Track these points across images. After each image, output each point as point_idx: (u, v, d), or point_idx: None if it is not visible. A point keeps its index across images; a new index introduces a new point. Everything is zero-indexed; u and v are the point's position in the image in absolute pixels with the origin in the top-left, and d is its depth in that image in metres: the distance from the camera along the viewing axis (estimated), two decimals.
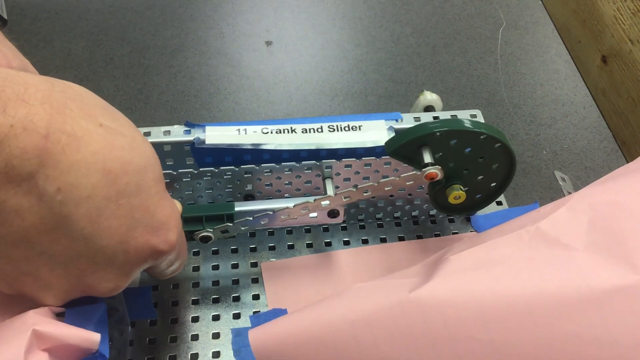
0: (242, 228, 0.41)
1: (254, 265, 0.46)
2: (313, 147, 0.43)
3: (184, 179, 0.43)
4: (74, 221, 0.26)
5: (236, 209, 0.41)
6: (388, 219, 0.49)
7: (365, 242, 0.48)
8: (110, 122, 0.28)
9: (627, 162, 0.55)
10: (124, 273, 0.29)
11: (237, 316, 0.43)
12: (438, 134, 0.39)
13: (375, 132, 0.44)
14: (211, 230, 0.40)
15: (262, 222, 0.41)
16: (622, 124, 0.76)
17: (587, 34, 0.83)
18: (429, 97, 0.49)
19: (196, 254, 0.47)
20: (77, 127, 0.26)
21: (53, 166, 0.25)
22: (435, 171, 0.40)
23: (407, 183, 0.41)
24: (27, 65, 0.39)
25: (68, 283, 0.28)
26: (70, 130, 0.25)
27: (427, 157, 0.40)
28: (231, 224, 0.40)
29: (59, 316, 0.34)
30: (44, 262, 0.27)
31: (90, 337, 0.31)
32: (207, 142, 0.42)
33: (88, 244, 0.27)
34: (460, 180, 0.42)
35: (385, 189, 0.40)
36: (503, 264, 0.35)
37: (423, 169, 0.40)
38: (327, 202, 0.41)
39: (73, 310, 0.33)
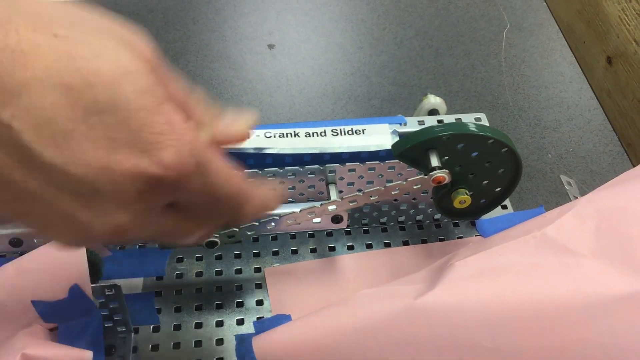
0: (248, 233, 0.40)
1: (258, 270, 0.46)
2: (316, 151, 0.43)
3: None
4: (38, 150, 0.22)
5: None
6: (392, 223, 0.49)
7: (369, 246, 0.48)
8: (70, 32, 0.23)
9: (633, 165, 0.55)
10: (120, 206, 0.24)
11: (240, 322, 0.43)
12: (445, 137, 0.39)
13: (379, 136, 0.44)
14: (217, 235, 0.40)
15: (268, 227, 0.40)
16: (628, 125, 0.75)
17: (591, 35, 0.82)
18: (433, 100, 0.49)
19: (199, 259, 0.46)
20: (24, 40, 0.22)
21: (1, 90, 0.21)
22: (443, 175, 0.40)
23: (414, 187, 0.40)
24: None
25: (65, 222, 0.24)
26: (14, 46, 0.22)
27: (435, 161, 0.40)
28: (237, 229, 0.40)
29: (53, 331, 0.34)
30: (29, 200, 0.24)
31: (82, 356, 0.30)
32: None
33: (64, 175, 0.23)
34: (465, 184, 0.42)
35: (392, 193, 0.40)
36: (509, 270, 0.35)
37: (430, 173, 0.40)
38: (334, 206, 0.40)
39: (66, 326, 0.33)
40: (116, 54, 0.24)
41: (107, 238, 0.25)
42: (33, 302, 0.33)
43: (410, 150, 0.40)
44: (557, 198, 0.52)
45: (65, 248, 0.26)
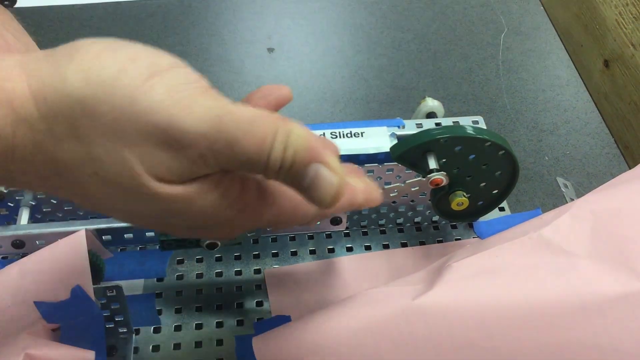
0: (248, 234, 0.41)
1: (257, 272, 0.46)
2: None
3: None
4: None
5: None
6: (391, 225, 0.49)
7: (368, 248, 0.48)
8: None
9: (629, 168, 0.55)
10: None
11: (240, 323, 0.44)
12: (443, 140, 0.40)
13: (377, 139, 0.44)
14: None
15: (268, 229, 0.41)
16: (625, 128, 0.76)
17: (589, 38, 0.83)
18: (431, 103, 0.49)
19: (199, 260, 0.47)
20: None
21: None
22: (441, 177, 0.40)
23: (412, 189, 0.41)
24: (30, 50, 0.39)
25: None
26: None
27: (432, 163, 0.40)
28: None
29: (55, 332, 0.34)
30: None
31: (84, 356, 0.31)
32: None
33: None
34: (463, 186, 0.42)
35: (390, 195, 0.41)
36: (506, 271, 0.35)
37: (428, 175, 0.40)
38: None
39: (69, 325, 0.33)
40: (167, 55, 0.26)
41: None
42: (36, 303, 0.33)
43: (409, 153, 0.40)
44: (554, 200, 0.52)
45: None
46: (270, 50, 0.67)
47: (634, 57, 0.73)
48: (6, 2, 0.41)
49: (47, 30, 0.67)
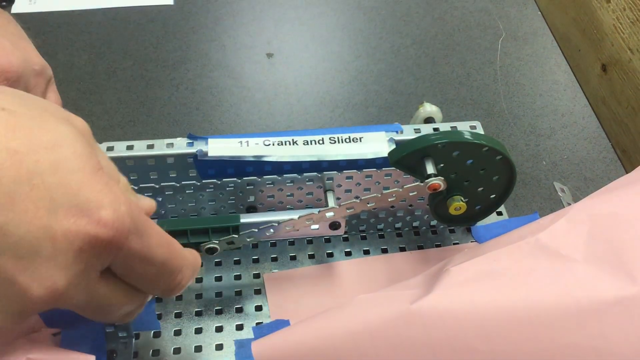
0: (248, 239, 0.41)
1: (257, 276, 0.47)
2: (314, 159, 0.43)
3: (187, 191, 0.44)
4: None
5: (241, 220, 0.42)
6: (389, 229, 0.50)
7: (366, 252, 0.48)
8: (17, 108, 0.26)
9: (627, 172, 0.55)
10: (59, 267, 0.25)
11: (240, 327, 0.44)
12: (441, 145, 0.40)
13: (375, 144, 0.44)
14: (217, 241, 0.40)
15: (267, 234, 0.41)
16: (622, 132, 0.76)
17: (587, 43, 0.83)
18: (429, 108, 0.50)
19: None
20: None
21: None
22: (438, 182, 0.40)
23: (410, 194, 0.41)
24: (28, 57, 0.39)
25: (3, 288, 0.25)
26: None
27: (430, 168, 0.40)
28: (237, 236, 0.41)
29: (56, 336, 0.34)
30: None
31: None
32: (209, 154, 0.42)
33: (5, 235, 0.24)
34: (461, 191, 0.43)
35: (389, 200, 0.41)
36: (503, 275, 0.36)
37: (426, 180, 0.40)
38: (332, 213, 0.41)
39: (69, 331, 0.33)
40: (57, 126, 0.26)
41: (43, 304, 0.25)
42: None
43: (407, 158, 0.41)
44: (552, 204, 0.53)
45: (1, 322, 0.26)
46: (270, 55, 0.67)
47: (631, 62, 0.74)
48: (4, 3, 0.41)
49: (48, 36, 0.68)
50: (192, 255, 0.32)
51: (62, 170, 0.25)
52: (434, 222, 0.50)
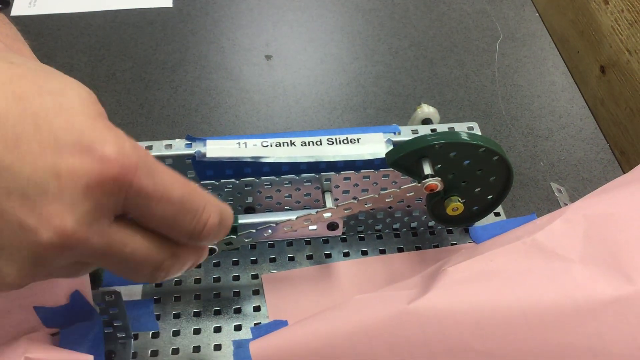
0: (246, 240, 0.41)
1: (255, 277, 0.47)
2: (312, 160, 0.43)
3: None
4: None
5: (240, 221, 0.42)
6: (387, 230, 0.50)
7: (364, 253, 0.49)
8: (24, 62, 0.27)
9: (624, 173, 0.56)
10: (66, 205, 0.24)
11: (238, 328, 0.44)
12: (438, 146, 0.40)
13: (373, 145, 0.45)
14: (215, 242, 0.41)
15: (265, 234, 0.41)
16: (621, 133, 0.76)
17: (585, 45, 0.83)
18: (426, 109, 0.50)
19: (197, 266, 0.47)
20: None
21: None
22: (435, 182, 0.41)
23: (407, 194, 0.41)
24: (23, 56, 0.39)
25: (13, 234, 0.25)
26: None
27: (427, 169, 0.41)
28: (235, 236, 0.41)
29: (54, 336, 0.34)
30: None
31: (83, 359, 0.31)
32: (208, 155, 0.43)
33: (14, 175, 0.24)
34: (458, 192, 0.43)
35: (386, 200, 0.41)
36: (500, 275, 0.36)
37: (423, 181, 0.40)
38: (329, 214, 0.41)
39: (68, 330, 0.33)
40: (63, 76, 0.27)
41: (54, 249, 0.25)
42: (35, 307, 0.34)
43: (404, 159, 0.41)
44: (549, 205, 0.53)
45: (13, 281, 0.26)
46: (268, 57, 0.68)
47: (629, 63, 0.74)
48: (0, 6, 0.41)
49: (47, 38, 0.68)
50: (216, 200, 0.29)
51: (67, 112, 0.25)
52: (431, 223, 0.50)
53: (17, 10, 0.71)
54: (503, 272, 0.36)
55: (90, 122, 0.25)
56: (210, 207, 0.28)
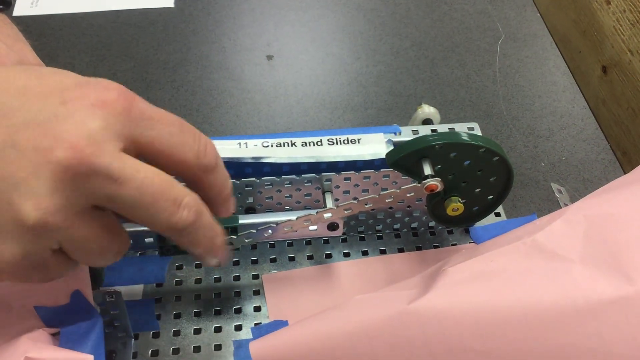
0: (246, 240, 0.41)
1: (256, 277, 0.47)
2: (313, 160, 0.44)
3: None
4: None
5: (240, 221, 0.42)
6: (388, 230, 0.50)
7: (365, 253, 0.49)
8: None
9: (625, 173, 0.56)
10: (46, 186, 0.24)
11: (238, 328, 0.44)
12: (438, 146, 0.40)
13: (374, 145, 0.45)
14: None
15: (265, 235, 0.41)
16: (623, 134, 0.76)
17: (587, 45, 0.83)
18: (427, 110, 0.50)
19: (198, 266, 0.47)
20: None
21: None
22: (435, 183, 0.41)
23: (408, 195, 0.41)
24: (23, 58, 0.39)
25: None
26: None
27: (427, 169, 0.41)
28: (235, 237, 0.41)
29: (55, 336, 0.34)
30: None
31: (84, 359, 0.31)
32: None
33: (25, 114, 0.25)
34: (458, 192, 0.43)
35: (386, 200, 0.41)
36: (500, 275, 0.36)
37: (423, 181, 0.40)
38: (329, 214, 0.41)
39: (68, 329, 0.33)
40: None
41: (38, 229, 0.25)
42: (36, 307, 0.34)
43: (404, 159, 0.41)
44: (550, 206, 0.53)
45: (6, 257, 0.26)
46: (270, 57, 0.68)
47: (631, 63, 0.74)
48: (1, 7, 0.41)
49: (49, 38, 0.68)
50: (191, 194, 0.29)
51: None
52: (432, 223, 0.50)
53: (19, 10, 0.71)
54: (503, 272, 0.36)
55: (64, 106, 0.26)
56: (190, 200, 0.28)
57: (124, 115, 0.26)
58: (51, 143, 0.24)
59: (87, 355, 0.31)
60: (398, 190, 0.41)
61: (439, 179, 0.40)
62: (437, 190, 0.41)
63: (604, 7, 0.79)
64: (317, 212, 0.41)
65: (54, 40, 0.68)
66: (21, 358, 0.28)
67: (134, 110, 0.27)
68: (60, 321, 0.35)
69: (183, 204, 0.27)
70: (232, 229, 0.41)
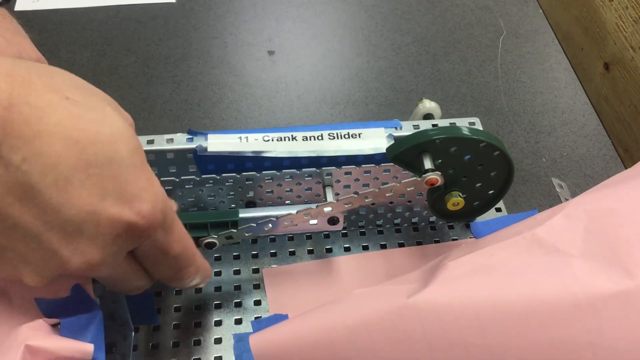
0: (246, 234, 0.41)
1: (256, 271, 0.47)
2: (313, 155, 0.43)
3: (186, 186, 0.44)
4: (41, 190, 0.26)
5: (240, 215, 0.42)
6: (388, 225, 0.50)
7: (365, 248, 0.49)
8: (79, 97, 0.28)
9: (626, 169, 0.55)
10: (97, 246, 0.28)
11: (239, 321, 0.44)
12: (438, 141, 0.40)
13: (374, 140, 0.44)
14: (216, 236, 0.41)
15: (266, 229, 0.41)
16: (625, 130, 0.76)
17: (589, 41, 0.83)
18: (428, 105, 0.50)
19: None
20: (40, 98, 0.26)
21: (17, 136, 0.25)
22: (436, 177, 0.41)
23: (408, 189, 0.41)
24: (23, 52, 0.39)
25: (44, 256, 0.28)
26: (33, 102, 0.26)
27: (428, 164, 0.41)
28: (235, 230, 0.41)
29: (55, 327, 0.35)
30: (18, 235, 0.27)
31: (84, 348, 0.31)
32: (209, 149, 0.43)
33: (57, 214, 0.27)
34: (459, 187, 0.43)
35: (387, 194, 0.41)
36: (500, 270, 0.36)
37: (423, 175, 0.40)
38: (330, 208, 0.41)
39: (68, 320, 0.34)
40: (114, 118, 0.29)
41: (76, 272, 0.29)
42: (36, 299, 0.34)
43: (404, 154, 0.41)
44: (551, 201, 0.53)
45: (34, 282, 0.29)
46: (271, 52, 0.68)
47: (633, 60, 0.74)
48: (0, 0, 0.41)
49: (51, 33, 0.68)
50: (202, 261, 0.37)
51: (116, 164, 0.28)
52: (432, 218, 0.50)
53: (20, 5, 0.71)
54: (503, 266, 0.36)
55: (134, 175, 0.29)
56: (193, 269, 0.35)
57: (138, 243, 0.31)
58: (69, 256, 0.28)
59: (87, 344, 0.31)
60: (398, 184, 0.41)
61: (439, 173, 0.40)
62: (438, 184, 0.41)
63: (607, 4, 0.79)
64: (317, 206, 0.41)
65: (55, 35, 0.68)
66: (21, 346, 0.28)
67: (149, 239, 0.31)
68: (60, 313, 0.35)
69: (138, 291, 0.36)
70: (232, 222, 0.42)
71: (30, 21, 0.69)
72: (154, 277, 0.35)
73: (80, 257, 0.28)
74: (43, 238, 0.27)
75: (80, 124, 0.27)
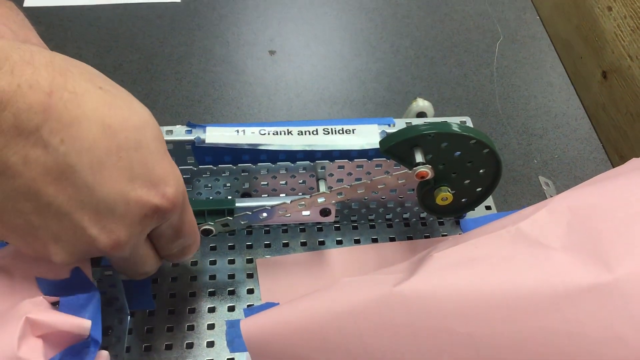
0: (242, 222, 0.43)
1: (250, 261, 0.48)
2: (308, 149, 0.45)
3: (184, 176, 0.45)
4: (77, 170, 0.28)
5: (236, 204, 0.43)
6: (380, 220, 0.51)
7: (357, 241, 0.50)
8: (109, 87, 0.30)
9: None
10: (125, 225, 0.30)
11: (231, 309, 0.45)
12: (430, 135, 0.41)
13: (368, 136, 0.46)
14: (212, 223, 0.42)
15: (261, 217, 0.43)
16: (621, 138, 0.77)
17: (588, 50, 0.84)
18: (421, 103, 0.51)
19: None
20: (77, 86, 0.28)
21: (56, 120, 0.27)
22: (426, 170, 0.42)
23: (399, 181, 0.42)
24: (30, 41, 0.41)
25: (75, 235, 0.30)
26: (72, 89, 0.28)
27: (419, 157, 0.42)
28: (231, 218, 0.42)
29: (54, 305, 0.36)
30: (52, 213, 0.29)
31: (82, 324, 0.33)
32: (207, 141, 0.44)
33: (91, 193, 0.29)
34: (448, 182, 0.44)
35: (378, 187, 0.42)
36: (484, 261, 0.37)
37: (414, 168, 0.42)
38: (323, 198, 0.43)
39: (67, 299, 0.35)
40: (140, 108, 0.32)
41: (102, 251, 0.31)
42: (37, 279, 0.35)
43: (396, 147, 0.42)
44: (540, 201, 0.54)
45: (62, 260, 0.31)
46: (272, 52, 0.69)
47: (630, 69, 0.75)
48: None
49: (58, 29, 0.70)
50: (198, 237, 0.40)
51: (143, 149, 0.30)
52: (423, 215, 0.51)
53: (29, 1, 0.73)
54: (487, 258, 0.37)
55: (160, 160, 0.31)
56: (196, 245, 0.39)
57: (159, 223, 0.33)
58: (98, 234, 0.30)
59: (85, 320, 0.32)
60: (389, 177, 0.42)
61: (430, 166, 0.42)
62: (428, 177, 0.42)
63: (606, 13, 0.80)
64: (310, 196, 0.42)
65: (62, 31, 0.70)
66: (22, 318, 0.30)
67: (169, 220, 0.34)
68: (59, 294, 0.36)
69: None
70: (229, 211, 0.43)
71: (39, 17, 0.71)
72: (162, 256, 0.37)
73: (108, 236, 0.30)
74: (75, 217, 0.29)
75: (112, 111, 0.29)
